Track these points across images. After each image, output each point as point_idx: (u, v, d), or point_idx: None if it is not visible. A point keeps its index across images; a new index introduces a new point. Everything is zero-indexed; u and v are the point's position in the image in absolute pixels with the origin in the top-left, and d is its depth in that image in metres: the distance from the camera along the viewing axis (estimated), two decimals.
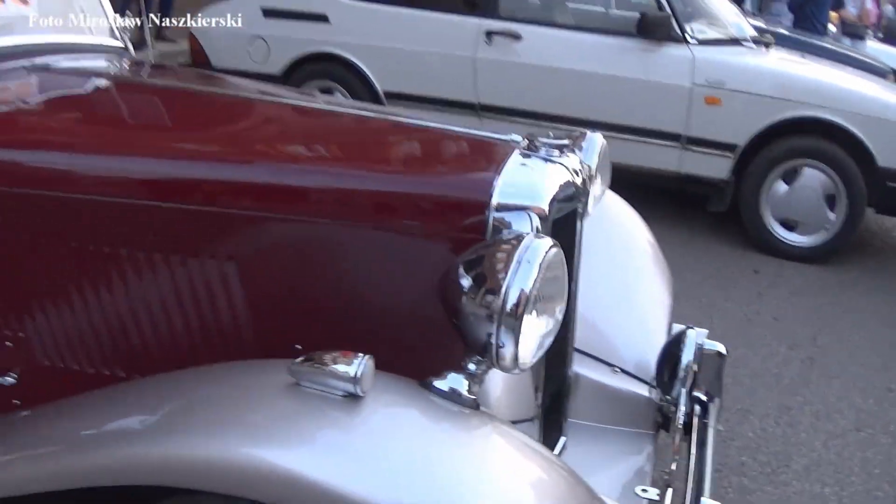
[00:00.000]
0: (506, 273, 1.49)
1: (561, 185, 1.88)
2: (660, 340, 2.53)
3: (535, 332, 1.56)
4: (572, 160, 2.00)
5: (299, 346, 1.66)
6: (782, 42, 6.80)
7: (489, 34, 6.01)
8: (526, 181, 1.81)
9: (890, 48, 10.71)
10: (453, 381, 1.53)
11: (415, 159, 2.09)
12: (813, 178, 5.56)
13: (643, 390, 2.42)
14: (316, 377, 1.43)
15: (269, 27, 6.47)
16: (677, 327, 2.60)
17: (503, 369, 1.55)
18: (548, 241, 1.56)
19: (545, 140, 1.92)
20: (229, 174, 1.85)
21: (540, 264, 1.50)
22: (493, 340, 1.48)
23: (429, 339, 1.76)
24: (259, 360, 1.66)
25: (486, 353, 1.51)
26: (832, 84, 5.68)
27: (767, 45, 6.08)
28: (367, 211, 1.80)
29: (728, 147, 5.69)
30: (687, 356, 2.43)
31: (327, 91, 6.38)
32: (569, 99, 5.92)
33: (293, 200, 1.81)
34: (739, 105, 5.59)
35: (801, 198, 5.62)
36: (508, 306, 1.47)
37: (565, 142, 1.96)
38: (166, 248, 1.81)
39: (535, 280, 1.49)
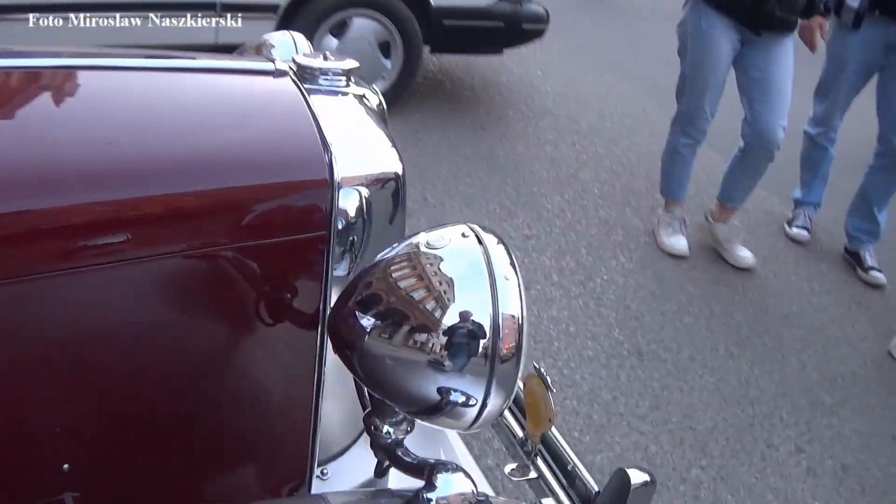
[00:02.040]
0: (440, 301, 0.93)
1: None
2: None
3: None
4: (358, 87, 1.42)
5: (66, 466, 1.12)
6: None
7: None
8: (356, 138, 1.27)
9: None
10: (453, 483, 0.94)
11: (170, 121, 1.29)
12: (364, 27, 5.17)
13: None
14: None
15: None
16: None
17: (473, 428, 1.00)
18: (494, 239, 0.99)
19: (316, 64, 1.33)
20: None
21: (517, 276, 0.97)
22: (480, 395, 0.93)
23: (267, 415, 1.24)
24: None
25: (441, 413, 0.96)
26: None
27: None
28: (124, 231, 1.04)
29: (269, 8, 5.06)
30: None
31: None
32: None
33: None
34: None
35: (353, 50, 5.20)
36: (501, 348, 0.92)
37: (352, 64, 1.36)
38: None
39: (523, 301, 0.96)
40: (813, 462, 2.99)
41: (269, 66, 1.33)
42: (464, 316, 0.91)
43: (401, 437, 1.07)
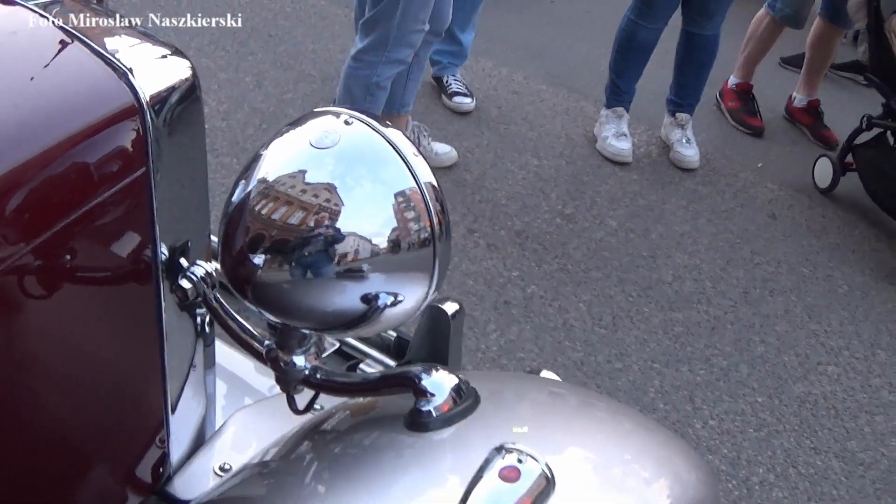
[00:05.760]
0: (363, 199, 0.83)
1: None
2: None
3: None
4: None
5: None
6: None
7: None
8: (123, 45, 0.98)
9: None
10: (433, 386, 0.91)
11: None
12: None
13: None
14: None
15: None
16: None
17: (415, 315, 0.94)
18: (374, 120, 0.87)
19: None
20: None
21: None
22: (427, 277, 0.86)
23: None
24: None
25: (362, 324, 0.88)
26: None
27: None
28: None
29: None
30: None
31: None
32: None
33: None
34: None
35: None
36: (437, 227, 0.83)
37: None
38: None
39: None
40: (488, 238, 2.95)
41: None
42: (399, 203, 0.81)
43: (315, 362, 0.97)
